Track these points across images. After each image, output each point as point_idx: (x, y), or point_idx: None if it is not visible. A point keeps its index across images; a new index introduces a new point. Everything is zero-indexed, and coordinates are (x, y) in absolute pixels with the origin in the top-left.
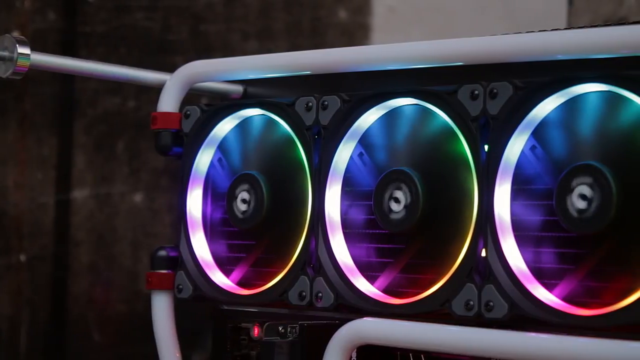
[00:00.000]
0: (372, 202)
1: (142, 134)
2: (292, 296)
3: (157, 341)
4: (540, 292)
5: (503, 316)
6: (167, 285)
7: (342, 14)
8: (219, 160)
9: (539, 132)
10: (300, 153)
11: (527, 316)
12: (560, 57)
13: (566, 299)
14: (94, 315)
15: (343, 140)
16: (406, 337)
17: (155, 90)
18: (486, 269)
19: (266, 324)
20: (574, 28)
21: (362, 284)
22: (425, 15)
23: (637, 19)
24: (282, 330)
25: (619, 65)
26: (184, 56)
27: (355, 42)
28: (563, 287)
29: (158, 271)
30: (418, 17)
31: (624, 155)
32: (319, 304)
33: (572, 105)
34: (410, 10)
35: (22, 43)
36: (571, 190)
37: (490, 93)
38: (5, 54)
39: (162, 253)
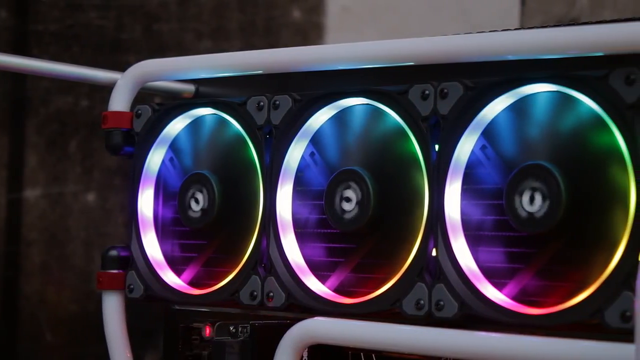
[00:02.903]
0: (323, 202)
1: (95, 134)
2: (244, 296)
3: (108, 341)
4: (490, 292)
5: (453, 315)
6: (118, 285)
7: (296, 14)
8: (171, 159)
9: (489, 132)
10: (251, 152)
11: (477, 315)
12: (510, 57)
13: (515, 298)
14: (46, 315)
15: (294, 140)
16: (357, 337)
17: (108, 90)
18: (436, 269)
19: (217, 323)
20: (524, 29)
21: (314, 284)
22: (379, 15)
23: (588, 19)
24: (233, 330)
25: (569, 66)
26: (137, 55)
27: (310, 41)
28: (512, 286)
29: (109, 271)
30: (372, 17)
31: (573, 155)
32: (270, 304)
33: (521, 105)
34: (365, 10)
35: None
36: (521, 190)
37: (440, 93)
38: None
39: (113, 253)
